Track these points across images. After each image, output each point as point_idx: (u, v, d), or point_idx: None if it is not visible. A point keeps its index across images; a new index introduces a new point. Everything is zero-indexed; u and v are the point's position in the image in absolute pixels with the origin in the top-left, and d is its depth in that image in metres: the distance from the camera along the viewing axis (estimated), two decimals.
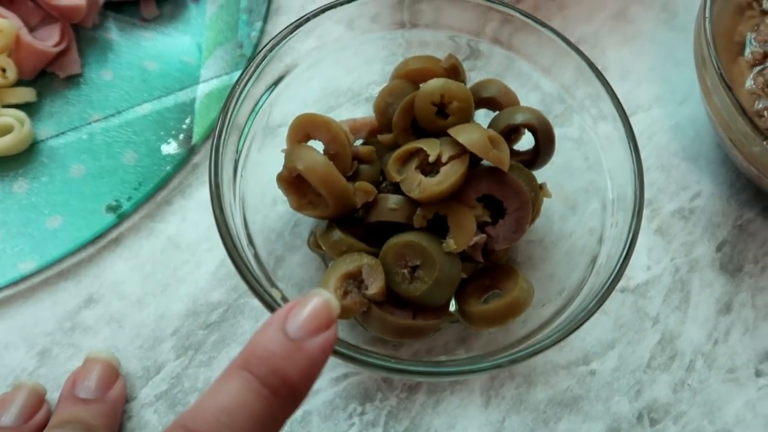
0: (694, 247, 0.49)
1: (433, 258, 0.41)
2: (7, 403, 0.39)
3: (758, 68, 0.46)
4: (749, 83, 0.45)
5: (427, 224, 0.42)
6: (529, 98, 0.47)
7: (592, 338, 0.47)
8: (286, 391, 0.27)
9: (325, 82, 0.50)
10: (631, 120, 0.51)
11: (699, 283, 0.48)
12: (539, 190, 0.45)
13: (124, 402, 0.41)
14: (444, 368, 0.38)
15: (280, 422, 0.27)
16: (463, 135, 0.41)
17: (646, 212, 0.50)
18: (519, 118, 0.45)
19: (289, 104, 0.47)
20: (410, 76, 0.46)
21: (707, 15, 0.44)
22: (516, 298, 0.42)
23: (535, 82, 0.48)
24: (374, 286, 0.41)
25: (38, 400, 0.40)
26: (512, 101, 0.47)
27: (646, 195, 0.51)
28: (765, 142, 0.41)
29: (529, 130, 0.45)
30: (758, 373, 0.46)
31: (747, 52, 0.47)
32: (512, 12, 0.44)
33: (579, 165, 0.51)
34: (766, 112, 0.44)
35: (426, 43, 0.49)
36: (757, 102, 0.45)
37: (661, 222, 0.50)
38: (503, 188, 0.42)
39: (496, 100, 0.47)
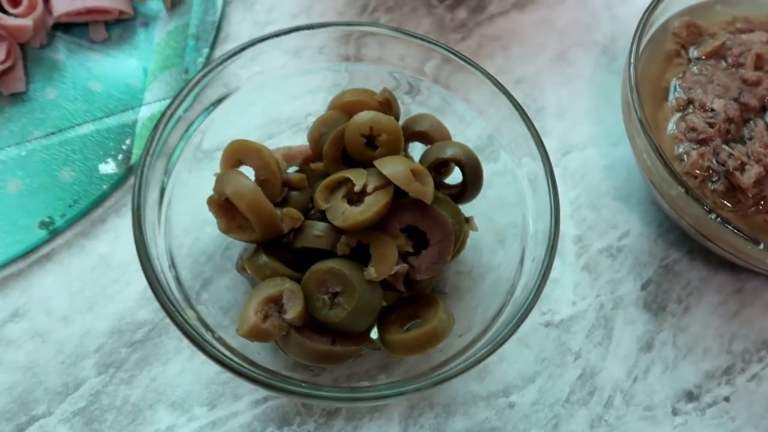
0: (620, 285, 0.51)
1: (354, 285, 0.42)
2: None
3: (680, 114, 0.47)
4: (671, 128, 0.47)
5: (351, 252, 0.43)
6: (465, 134, 0.48)
7: (514, 371, 0.47)
8: None
9: (268, 109, 0.51)
10: (566, 159, 0.53)
11: (622, 320, 0.49)
12: (465, 223, 0.46)
13: None
14: (356, 393, 0.38)
15: None
16: (388, 167, 0.42)
17: (574, 249, 0.51)
18: (447, 153, 0.46)
19: (227, 129, 0.48)
20: (345, 108, 0.47)
21: (632, 61, 0.46)
22: (435, 327, 0.43)
23: (469, 121, 0.49)
24: (293, 310, 0.41)
25: None
26: (443, 136, 0.48)
27: (576, 232, 0.52)
28: (681, 187, 0.42)
29: (457, 164, 0.46)
30: (675, 412, 0.47)
31: (671, 98, 0.48)
32: (450, 54, 0.46)
33: (510, 200, 0.52)
34: (686, 156, 0.46)
35: (369, 77, 0.50)
36: (677, 147, 0.46)
37: (589, 259, 0.51)
38: (427, 220, 0.43)
39: (427, 134, 0.48)
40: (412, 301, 0.45)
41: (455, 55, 0.46)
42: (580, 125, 0.56)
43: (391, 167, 0.42)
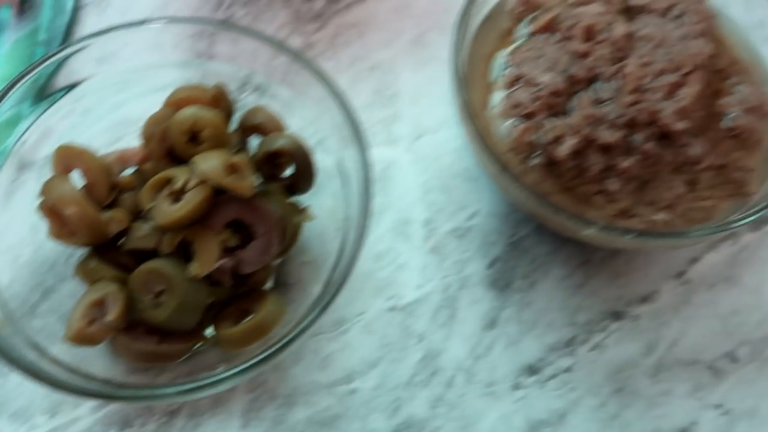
0: (467, 265, 0.51)
1: (175, 283, 0.42)
2: None
3: (510, 90, 0.48)
4: (499, 105, 0.47)
5: (179, 250, 0.43)
6: (310, 128, 0.49)
7: (357, 358, 0.48)
8: None
9: (116, 110, 0.52)
10: (418, 143, 0.53)
11: (468, 299, 0.50)
12: (300, 213, 0.47)
13: None
14: (184, 387, 0.39)
15: None
16: (201, 163, 0.42)
17: (422, 232, 0.52)
18: (275, 144, 0.47)
19: (72, 132, 0.49)
20: (176, 105, 0.47)
21: (455, 42, 0.46)
22: (262, 319, 0.44)
23: (314, 116, 0.49)
24: (112, 312, 0.42)
25: None
26: (277, 128, 0.48)
27: (426, 215, 0.53)
28: (496, 165, 0.43)
29: (286, 155, 0.46)
30: (516, 386, 0.48)
31: (500, 75, 0.49)
32: (289, 52, 0.46)
33: (356, 189, 0.52)
34: (511, 131, 0.46)
35: (220, 75, 0.51)
36: (503, 123, 0.47)
37: (437, 241, 0.52)
38: (251, 213, 0.44)
39: (261, 126, 0.48)
40: (246, 295, 0.46)
41: (292, 53, 0.46)
42: (434, 108, 0.56)
43: (205, 163, 0.43)
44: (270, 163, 0.47)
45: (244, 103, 0.51)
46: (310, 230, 0.49)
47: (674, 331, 0.50)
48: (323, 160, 0.48)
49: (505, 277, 0.51)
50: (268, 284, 0.48)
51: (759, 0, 0.50)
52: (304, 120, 0.49)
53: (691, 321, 0.50)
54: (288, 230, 0.46)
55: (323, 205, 0.48)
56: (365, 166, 0.43)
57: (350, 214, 0.46)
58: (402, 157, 0.55)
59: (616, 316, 0.50)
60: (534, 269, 0.51)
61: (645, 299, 0.51)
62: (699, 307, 0.51)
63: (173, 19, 0.50)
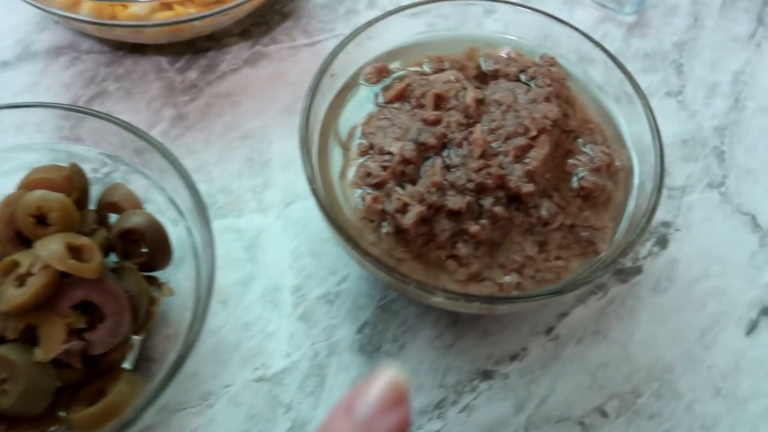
0: (336, 331, 0.51)
1: (19, 369, 0.42)
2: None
3: (362, 159, 0.48)
4: (351, 175, 0.48)
5: (25, 335, 0.43)
6: (168, 206, 0.49)
7: (223, 430, 0.48)
8: None
9: None
10: (289, 209, 0.54)
11: (336, 366, 0.50)
12: (159, 288, 0.47)
13: None
14: None
15: None
16: (42, 248, 0.42)
17: (291, 299, 0.52)
18: (129, 222, 0.46)
19: None
20: (28, 186, 0.47)
21: (304, 108, 0.47)
22: (111, 401, 0.43)
23: (171, 194, 0.49)
24: None
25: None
26: (133, 205, 0.48)
27: (295, 282, 0.53)
28: (340, 235, 0.43)
29: (140, 233, 0.46)
30: None
31: (354, 145, 0.49)
32: (145, 139, 0.46)
33: (239, 257, 0.52)
34: (362, 201, 0.47)
35: (83, 156, 0.50)
36: (355, 192, 0.47)
37: (307, 308, 0.52)
38: (100, 294, 0.44)
39: (118, 204, 0.48)
40: (102, 375, 0.45)
41: (148, 141, 0.47)
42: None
43: (45, 248, 0.42)
44: (125, 240, 0.47)
45: (111, 179, 0.50)
46: (172, 303, 0.48)
47: (543, 387, 0.50)
48: (181, 236, 0.48)
49: (374, 341, 0.51)
50: (129, 361, 0.47)
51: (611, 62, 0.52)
52: (165, 197, 0.49)
53: (560, 377, 0.51)
54: (141, 308, 0.46)
55: (183, 279, 0.48)
56: (209, 245, 0.43)
57: (237, 281, 0.46)
58: (273, 224, 0.55)
59: (486, 375, 0.50)
60: (404, 332, 0.51)
61: (514, 357, 0.51)
62: (568, 362, 0.51)
63: (33, 104, 0.49)
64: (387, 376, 0.27)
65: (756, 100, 0.63)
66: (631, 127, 0.51)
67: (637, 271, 0.54)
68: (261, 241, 0.54)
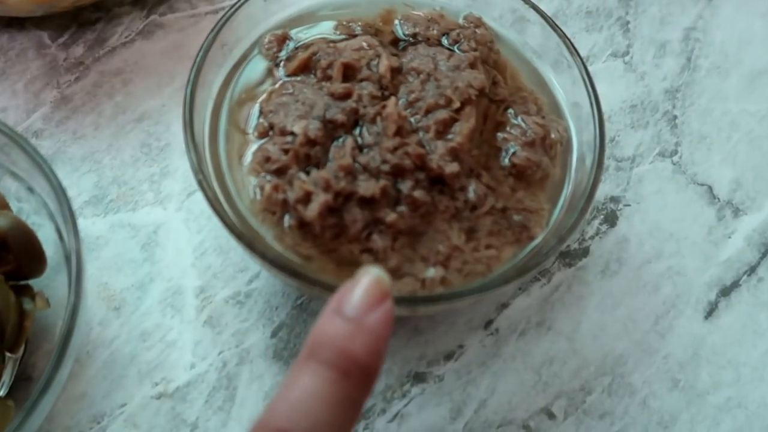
0: (247, 336, 0.45)
1: None
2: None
3: (261, 142, 0.42)
4: (248, 161, 0.42)
5: None
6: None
7: None
8: (356, 370, 0.28)
9: None
10: (190, 200, 0.48)
11: (248, 376, 0.44)
12: (33, 300, 0.40)
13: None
14: None
15: (359, 403, 0.28)
16: None
17: (195, 303, 0.46)
18: None
19: None
20: None
21: (190, 81, 0.40)
22: None
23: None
24: None
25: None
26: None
27: (198, 283, 0.47)
28: (231, 233, 0.37)
29: (1, 238, 0.39)
30: None
31: (252, 125, 0.43)
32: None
33: (134, 256, 0.46)
34: (259, 190, 0.40)
35: None
36: (252, 180, 0.41)
37: (213, 312, 0.46)
38: None
39: None
40: None
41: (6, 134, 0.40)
42: None
43: None
44: None
45: None
46: (51, 314, 0.42)
47: (483, 389, 0.45)
48: (55, 239, 0.41)
49: (291, 345, 0.45)
50: (3, 384, 0.41)
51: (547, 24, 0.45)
52: (37, 198, 0.42)
53: (501, 376, 0.45)
54: (10, 323, 0.40)
55: (60, 287, 0.42)
56: (76, 251, 0.37)
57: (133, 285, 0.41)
58: (173, 217, 0.48)
59: (418, 378, 0.45)
60: None
61: (449, 356, 0.46)
62: (509, 359, 0.46)
63: None
64: (369, 275, 0.30)
65: (709, 59, 0.57)
66: (569, 94, 0.45)
67: (584, 253, 0.49)
68: (159, 237, 0.48)
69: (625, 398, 0.45)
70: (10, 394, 0.41)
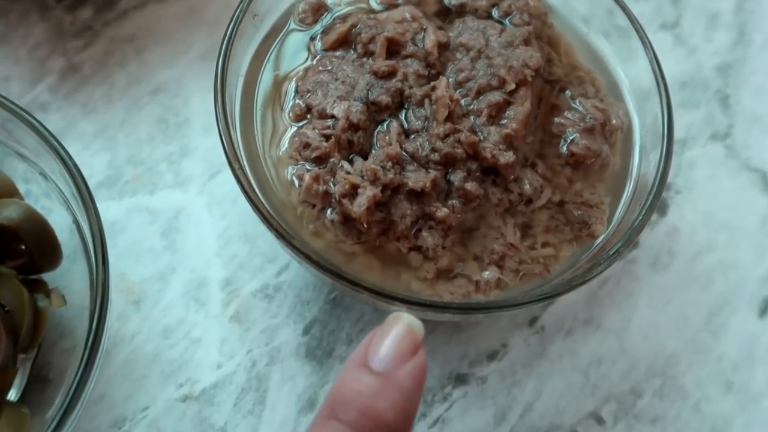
0: (278, 333, 0.42)
1: None
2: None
3: (298, 125, 0.38)
4: (285, 146, 0.38)
5: None
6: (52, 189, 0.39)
7: None
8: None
9: None
10: (213, 182, 0.44)
11: (279, 377, 0.41)
12: (48, 296, 0.37)
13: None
14: None
15: None
16: None
17: (221, 296, 0.43)
18: None
19: None
20: None
21: (220, 61, 0.37)
22: None
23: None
24: None
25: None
26: (8, 191, 0.38)
27: (224, 274, 0.44)
28: (269, 227, 0.34)
29: (10, 232, 0.36)
30: None
31: (288, 106, 0.39)
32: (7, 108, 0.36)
33: (154, 244, 0.42)
34: (297, 180, 0.37)
35: None
36: (291, 169, 0.37)
37: (240, 306, 0.42)
38: None
39: None
40: None
41: (10, 110, 0.36)
42: None
43: None
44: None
45: None
46: (68, 309, 0.38)
47: (528, 392, 0.42)
48: (70, 227, 0.38)
49: (324, 344, 0.42)
50: (15, 388, 0.38)
51: None
52: (47, 181, 0.38)
53: (547, 378, 0.43)
54: (24, 324, 0.36)
55: (77, 279, 0.38)
56: (99, 239, 0.33)
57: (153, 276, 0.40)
58: (194, 201, 0.45)
59: (460, 379, 0.42)
60: (359, 330, 0.43)
61: (493, 356, 0.43)
62: (556, 359, 0.43)
63: None
64: (399, 323, 0.27)
65: (763, 33, 0.54)
66: (626, 69, 0.42)
67: (633, 244, 0.46)
68: (180, 223, 0.44)
69: (677, 402, 0.43)
70: (23, 397, 0.38)
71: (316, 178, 0.36)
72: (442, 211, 0.36)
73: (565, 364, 0.43)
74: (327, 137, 0.37)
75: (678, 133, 0.49)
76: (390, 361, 0.26)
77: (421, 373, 0.26)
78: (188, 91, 0.47)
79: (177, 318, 0.42)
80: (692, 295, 0.45)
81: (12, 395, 0.38)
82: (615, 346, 0.44)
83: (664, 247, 0.46)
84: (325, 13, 0.41)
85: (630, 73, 0.42)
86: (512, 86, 0.38)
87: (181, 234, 0.44)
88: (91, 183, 0.42)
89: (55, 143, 0.35)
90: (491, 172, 0.37)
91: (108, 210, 0.44)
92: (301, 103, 0.38)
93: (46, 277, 0.39)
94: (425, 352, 0.41)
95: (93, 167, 0.45)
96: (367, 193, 0.35)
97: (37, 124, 0.36)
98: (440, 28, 0.41)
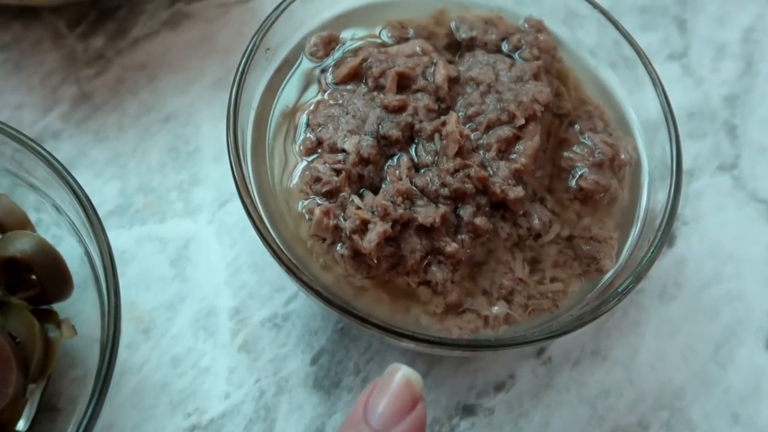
0: (286, 362, 0.42)
1: None
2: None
3: (309, 159, 0.38)
4: (296, 179, 0.38)
5: None
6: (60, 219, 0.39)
7: None
8: None
9: None
10: (223, 211, 0.46)
11: (287, 407, 0.41)
12: (59, 327, 0.37)
13: None
14: None
15: None
16: None
17: (230, 325, 0.43)
18: (10, 250, 0.36)
19: None
20: None
21: (233, 94, 0.37)
22: None
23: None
24: None
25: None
26: (19, 223, 0.38)
27: (233, 303, 0.44)
28: (276, 260, 0.34)
29: (26, 262, 0.36)
30: None
31: (299, 140, 0.39)
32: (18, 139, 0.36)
33: (163, 273, 0.43)
34: (307, 214, 0.37)
35: None
36: (302, 203, 0.37)
37: (248, 335, 0.43)
38: None
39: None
40: None
41: (20, 141, 0.36)
42: None
43: None
44: (10, 269, 0.37)
45: None
46: (78, 338, 0.39)
47: (535, 423, 0.42)
48: (81, 257, 0.38)
49: (332, 374, 0.42)
50: (25, 418, 0.38)
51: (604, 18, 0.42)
52: (57, 211, 0.39)
53: (554, 409, 0.43)
54: (35, 355, 0.36)
55: (88, 309, 0.38)
56: (110, 270, 0.34)
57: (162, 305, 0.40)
58: (204, 230, 0.45)
59: (467, 411, 0.42)
60: (367, 360, 0.43)
61: (500, 387, 0.43)
62: (563, 390, 0.43)
63: None
64: (398, 377, 0.27)
65: None
66: (634, 101, 0.42)
67: None
68: (190, 252, 0.44)
69: None
70: (32, 426, 0.38)
71: (326, 213, 0.36)
72: (451, 246, 0.36)
73: (572, 395, 0.43)
74: (337, 171, 0.37)
75: (686, 163, 0.49)
76: (388, 418, 0.26)
77: (422, 426, 0.26)
78: (199, 120, 0.48)
79: (186, 347, 0.42)
80: (699, 326, 0.45)
81: (21, 425, 0.38)
82: (622, 378, 0.44)
83: (671, 278, 0.46)
84: (337, 47, 0.42)
85: (638, 105, 0.42)
86: (521, 121, 0.38)
87: (190, 263, 0.44)
88: (102, 211, 0.43)
89: (66, 174, 0.36)
90: (500, 207, 0.38)
91: (118, 239, 0.44)
92: (312, 136, 0.39)
93: (57, 306, 0.39)
94: (432, 383, 0.41)
95: (104, 195, 0.45)
96: (378, 229, 0.35)
97: (47, 154, 0.36)
98: (450, 62, 0.41)
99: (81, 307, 0.39)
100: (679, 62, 0.54)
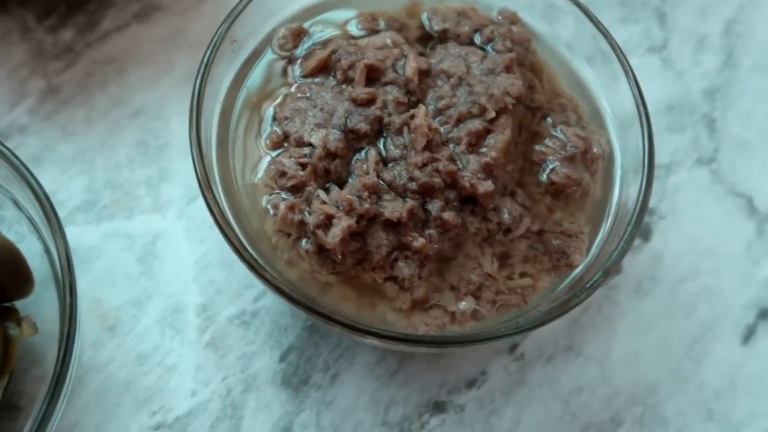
0: (254, 360, 0.42)
1: None
2: None
3: (275, 153, 0.38)
4: (261, 174, 0.37)
5: None
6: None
7: None
8: None
9: None
10: (192, 207, 0.45)
11: (254, 405, 0.41)
12: (19, 325, 0.36)
13: None
14: None
15: None
16: None
17: (197, 322, 0.42)
18: None
19: None
20: None
21: (196, 88, 0.36)
22: None
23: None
24: None
25: None
26: None
27: (201, 300, 0.43)
28: (238, 255, 0.33)
29: None
30: None
31: (265, 133, 0.38)
32: None
33: (130, 270, 0.42)
34: (273, 209, 0.36)
35: None
36: (267, 197, 0.37)
37: (216, 332, 0.42)
38: None
39: None
40: None
41: None
42: None
43: None
44: None
45: None
46: (43, 336, 0.38)
47: (507, 420, 0.42)
48: (42, 255, 0.37)
49: (301, 371, 0.42)
50: None
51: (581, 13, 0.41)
52: (17, 209, 0.38)
53: (526, 405, 0.42)
54: None
55: (49, 307, 0.38)
56: (67, 268, 0.33)
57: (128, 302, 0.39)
58: (172, 226, 0.44)
59: (438, 407, 0.42)
60: (337, 357, 0.42)
61: (471, 383, 0.42)
62: (536, 387, 0.43)
63: None
64: None
65: (751, 56, 0.53)
66: (609, 95, 0.41)
67: (616, 270, 0.45)
68: (158, 248, 0.44)
69: (657, 431, 0.42)
70: None
71: (291, 208, 0.36)
72: (418, 241, 0.35)
73: (545, 392, 0.43)
74: (303, 166, 0.36)
75: (663, 157, 0.49)
76: None
77: None
78: (169, 114, 0.47)
79: (152, 345, 0.42)
80: (674, 322, 0.45)
81: None
82: (596, 374, 0.43)
83: (647, 273, 0.46)
84: (305, 39, 0.41)
85: (612, 100, 0.41)
86: (492, 114, 0.38)
87: (158, 259, 0.44)
88: (69, 207, 0.42)
89: (25, 171, 0.35)
90: (470, 201, 0.37)
91: (84, 235, 0.43)
92: (278, 130, 0.38)
93: (18, 303, 0.38)
94: (402, 380, 0.41)
95: (71, 191, 0.44)
96: (342, 224, 0.34)
97: (7, 151, 0.36)
98: (422, 54, 0.40)
99: (43, 305, 0.39)
100: (658, 55, 0.53)
